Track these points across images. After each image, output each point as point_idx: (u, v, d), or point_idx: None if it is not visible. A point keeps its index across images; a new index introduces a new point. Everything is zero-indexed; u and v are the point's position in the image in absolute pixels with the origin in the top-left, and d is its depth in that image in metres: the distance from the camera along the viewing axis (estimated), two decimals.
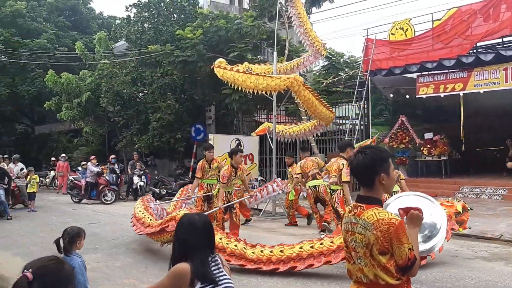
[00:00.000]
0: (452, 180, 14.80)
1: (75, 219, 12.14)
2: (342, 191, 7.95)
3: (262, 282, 6.05)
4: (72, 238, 4.01)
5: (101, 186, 15.60)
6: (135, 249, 8.38)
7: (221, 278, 2.32)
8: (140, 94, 19.75)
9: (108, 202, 15.45)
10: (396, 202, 2.71)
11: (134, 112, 19.38)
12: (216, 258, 2.40)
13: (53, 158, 22.50)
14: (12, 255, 7.97)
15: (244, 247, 6.57)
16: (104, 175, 16.16)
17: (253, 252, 6.51)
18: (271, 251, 6.46)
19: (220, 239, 6.61)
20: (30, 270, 1.76)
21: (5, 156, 15.58)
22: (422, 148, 15.58)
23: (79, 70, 23.11)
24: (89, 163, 16.10)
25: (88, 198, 15.56)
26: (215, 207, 8.48)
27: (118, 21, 30.31)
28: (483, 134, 18.80)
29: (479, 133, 19.00)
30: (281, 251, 6.43)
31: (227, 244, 6.61)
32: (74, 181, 16.09)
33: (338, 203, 8.00)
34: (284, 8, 15.19)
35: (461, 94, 14.29)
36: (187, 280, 2.24)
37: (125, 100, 19.28)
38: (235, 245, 6.61)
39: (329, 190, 8.47)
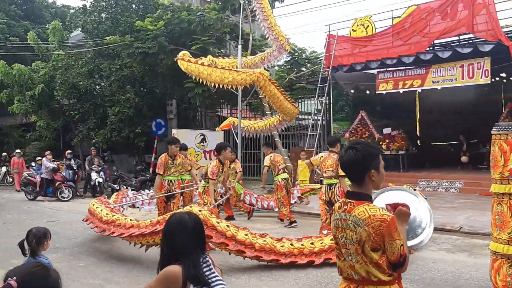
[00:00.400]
0: (410, 173, 15.24)
1: (32, 217, 11.64)
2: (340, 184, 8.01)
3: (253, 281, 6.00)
4: (39, 239, 3.81)
5: (58, 183, 15.02)
6: (98, 247, 8.11)
7: (213, 279, 2.23)
8: (98, 86, 19.13)
9: (65, 199, 14.90)
10: (382, 197, 2.70)
11: (91, 105, 18.75)
12: (207, 258, 2.30)
13: (4, 154, 21.47)
14: None
15: (273, 242, 6.47)
16: (60, 171, 15.59)
17: (282, 246, 6.47)
18: (302, 244, 6.51)
19: (246, 235, 6.39)
20: (14, 278, 1.62)
21: None
22: (381, 143, 15.93)
23: (31, 61, 22.11)
24: (44, 159, 15.46)
25: (44, 195, 14.94)
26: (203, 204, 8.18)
27: (72, 11, 29.30)
28: (438, 129, 19.50)
29: (434, 128, 19.70)
30: (312, 243, 6.50)
31: (254, 239, 6.42)
32: (29, 177, 15.39)
33: (339, 196, 7.97)
34: (247, 2, 15.07)
35: (419, 90, 14.70)
36: (179, 283, 2.13)
37: (81, 93, 18.61)
38: (264, 241, 6.45)
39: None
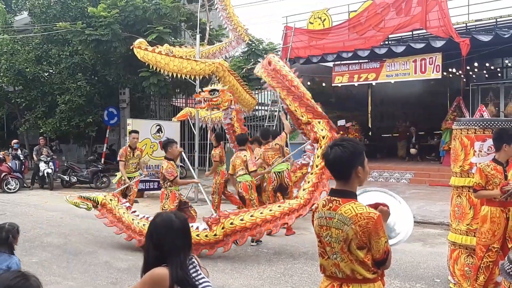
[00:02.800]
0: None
1: None
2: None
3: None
4: (14, 233, 3.70)
5: (3, 174, 14.28)
6: (51, 242, 7.79)
7: (200, 281, 2.16)
8: (46, 74, 18.24)
9: (12, 190, 14.20)
10: (362, 198, 2.72)
11: (38, 93, 17.88)
12: (193, 259, 2.23)
13: None
14: None
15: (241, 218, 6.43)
16: (6, 162, 14.82)
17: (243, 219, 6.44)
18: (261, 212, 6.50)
19: (231, 223, 6.36)
20: None
21: None
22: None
23: None
24: None
25: None
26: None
27: None
28: (388, 121, 20.13)
29: (384, 120, 20.33)
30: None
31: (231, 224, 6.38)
32: None
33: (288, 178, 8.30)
34: None
35: (373, 84, 15.06)
36: (165, 286, 2.05)
37: (28, 80, 17.69)
38: (231, 223, 6.38)
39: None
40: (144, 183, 12.27)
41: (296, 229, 8.52)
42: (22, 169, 15.46)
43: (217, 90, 8.74)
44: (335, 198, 2.43)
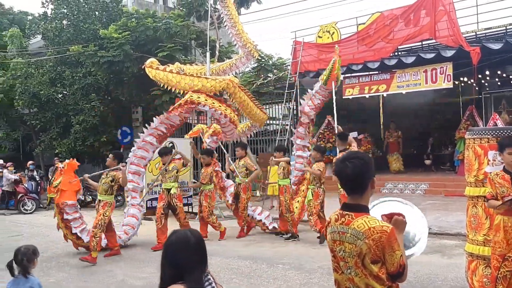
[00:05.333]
0: (377, 176, 15.33)
1: None
2: None
3: None
4: (30, 256, 3.78)
5: (20, 195, 14.49)
6: (68, 262, 7.86)
7: None
8: (60, 95, 18.57)
9: (28, 211, 14.39)
10: (377, 209, 2.71)
11: (53, 114, 18.18)
12: (208, 276, 2.24)
13: None
14: None
15: None
16: (22, 183, 15.04)
17: None
18: None
19: None
20: None
21: None
22: (347, 147, 16.12)
23: None
24: (5, 170, 14.87)
25: (5, 208, 14.37)
26: None
27: (30, 17, 28.35)
28: (401, 133, 19.95)
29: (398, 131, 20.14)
30: None
31: None
32: None
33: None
34: (213, 8, 15.03)
35: (385, 95, 15.01)
36: None
37: (42, 102, 18.02)
38: None
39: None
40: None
41: (311, 243, 8.49)
42: (38, 190, 15.66)
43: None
44: (348, 212, 2.43)
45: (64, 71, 18.31)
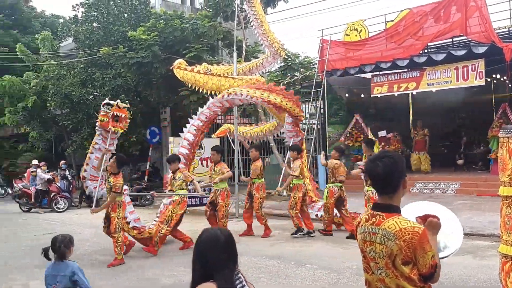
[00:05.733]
0: (407, 176, 15.18)
1: (28, 230, 11.53)
2: None
3: None
4: (67, 243, 3.94)
5: (53, 194, 14.89)
6: (99, 259, 8.03)
7: None
8: (91, 96, 18.99)
9: (61, 210, 14.77)
10: (409, 210, 2.67)
11: (84, 115, 18.61)
12: (239, 275, 2.26)
13: None
14: None
15: None
16: (55, 182, 15.44)
17: None
18: None
19: None
20: None
21: None
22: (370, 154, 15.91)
23: (21, 72, 21.91)
24: (38, 170, 15.29)
25: (39, 206, 14.78)
26: None
27: (61, 20, 29.10)
28: (431, 131, 19.56)
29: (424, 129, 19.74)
30: None
31: None
32: (23, 189, 15.22)
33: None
34: (239, 9, 15.09)
35: (414, 93, 14.77)
36: None
37: (74, 103, 18.47)
38: None
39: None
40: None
41: (339, 243, 8.44)
42: (70, 189, 16.06)
43: (111, 104, 8.39)
44: (378, 212, 2.40)
45: (94, 72, 18.72)
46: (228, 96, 9.55)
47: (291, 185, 9.43)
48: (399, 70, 13.99)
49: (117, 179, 7.56)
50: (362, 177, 8.69)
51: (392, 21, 14.23)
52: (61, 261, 3.90)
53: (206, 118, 10.01)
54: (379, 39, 14.44)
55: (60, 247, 3.89)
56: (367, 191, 8.34)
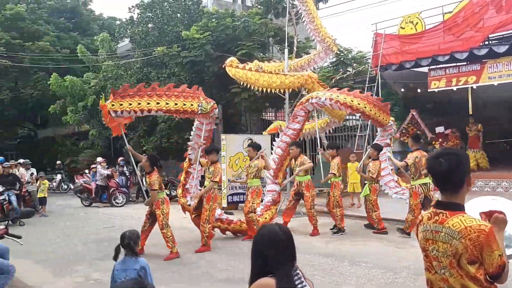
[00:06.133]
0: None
1: (89, 224, 12.05)
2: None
3: None
4: (136, 239, 4.09)
5: (112, 189, 15.50)
6: (156, 253, 8.24)
7: None
8: None
9: (119, 204, 15.35)
10: (473, 206, 2.56)
11: None
12: (297, 271, 2.25)
13: (58, 162, 22.37)
14: (33, 263, 7.83)
15: None
16: (114, 178, 16.06)
17: None
18: None
19: None
20: None
21: (18, 161, 15.31)
22: (434, 142, 15.42)
23: (82, 72, 22.92)
24: (98, 166, 15.97)
25: (99, 201, 15.45)
26: None
27: (118, 22, 30.16)
28: (492, 127, 18.64)
29: (488, 125, 18.83)
30: None
31: None
32: (84, 184, 15.95)
33: (433, 192, 8.16)
34: (291, 5, 15.02)
35: (474, 87, 14.13)
36: None
37: None
38: None
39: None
40: (238, 196, 12.60)
41: (395, 242, 8.25)
42: (128, 184, 16.66)
43: None
44: (442, 210, 2.32)
45: (150, 72, 19.27)
46: (312, 100, 9.54)
47: (329, 181, 9.40)
48: (458, 64, 13.42)
49: (151, 177, 7.77)
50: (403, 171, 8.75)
51: (450, 12, 13.69)
52: (131, 257, 4.04)
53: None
54: (436, 32, 13.92)
55: (130, 243, 4.04)
56: (412, 185, 8.29)
